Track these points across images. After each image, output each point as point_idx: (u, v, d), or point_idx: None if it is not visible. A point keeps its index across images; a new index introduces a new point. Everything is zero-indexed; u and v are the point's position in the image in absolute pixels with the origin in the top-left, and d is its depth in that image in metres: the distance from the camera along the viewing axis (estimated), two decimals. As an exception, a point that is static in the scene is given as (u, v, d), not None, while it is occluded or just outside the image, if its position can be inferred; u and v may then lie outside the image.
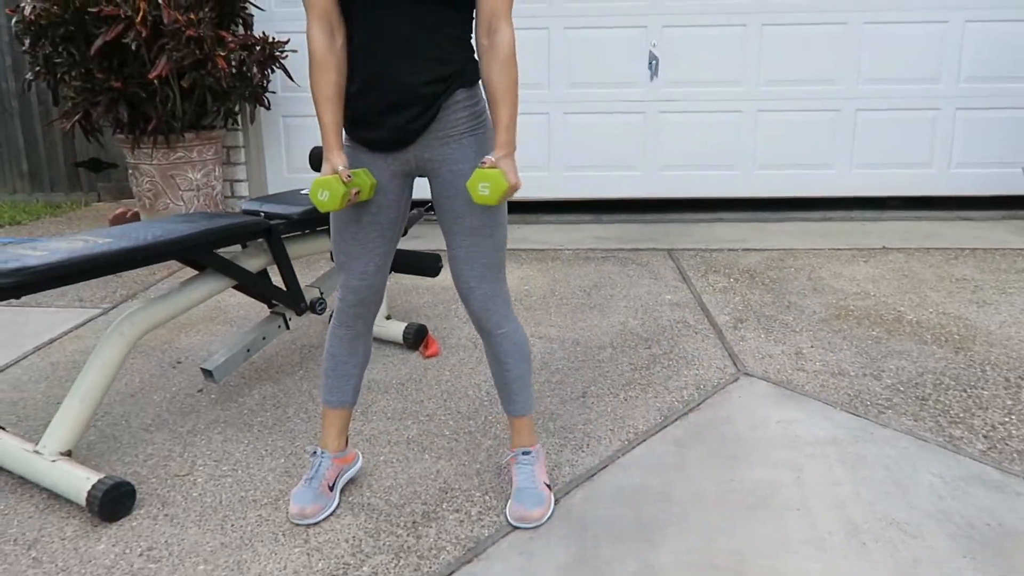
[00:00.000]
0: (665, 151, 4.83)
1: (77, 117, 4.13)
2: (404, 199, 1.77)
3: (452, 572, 1.61)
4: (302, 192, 2.74)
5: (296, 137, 4.93)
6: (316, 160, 2.83)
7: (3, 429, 2.05)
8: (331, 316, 3.01)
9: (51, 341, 2.95)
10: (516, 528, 1.74)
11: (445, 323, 3.07)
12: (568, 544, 1.69)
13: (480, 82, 1.66)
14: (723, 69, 4.69)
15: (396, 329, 2.79)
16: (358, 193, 1.63)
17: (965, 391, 2.38)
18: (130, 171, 4.32)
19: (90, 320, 3.17)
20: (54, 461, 1.86)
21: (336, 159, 1.61)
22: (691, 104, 4.76)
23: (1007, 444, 2.07)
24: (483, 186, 1.54)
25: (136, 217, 4.67)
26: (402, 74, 1.58)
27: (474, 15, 1.63)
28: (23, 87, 4.32)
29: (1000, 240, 4.14)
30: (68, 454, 1.92)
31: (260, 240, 2.41)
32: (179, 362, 2.73)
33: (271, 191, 5.06)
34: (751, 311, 3.13)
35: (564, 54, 4.73)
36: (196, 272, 2.41)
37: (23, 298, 3.47)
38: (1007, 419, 2.20)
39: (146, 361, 2.75)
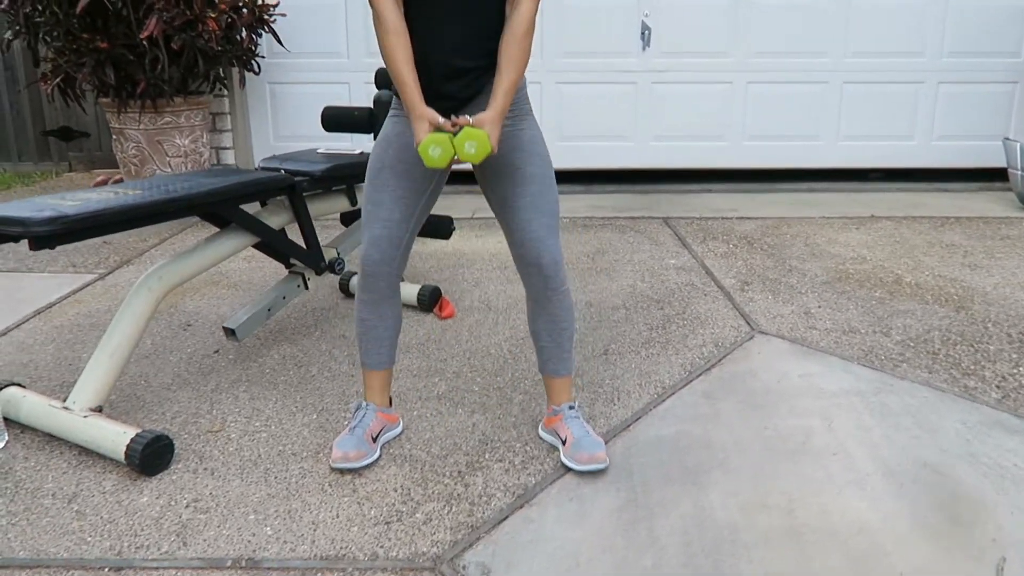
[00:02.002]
0: (657, 122, 4.86)
1: (58, 79, 3.99)
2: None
3: (506, 517, 1.62)
4: (318, 151, 2.70)
5: (283, 104, 4.84)
6: (329, 120, 2.79)
7: (24, 387, 2.00)
8: (342, 285, 2.98)
9: (50, 305, 2.87)
10: (568, 472, 1.76)
11: (454, 287, 3.06)
12: (618, 489, 1.71)
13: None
14: (713, 40, 4.72)
15: (410, 291, 2.78)
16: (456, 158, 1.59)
17: (972, 346, 2.46)
18: (114, 137, 4.19)
19: (87, 285, 3.09)
20: (86, 417, 1.82)
21: (429, 112, 1.59)
22: (682, 75, 4.79)
23: (1020, 393, 2.14)
24: (469, 144, 1.54)
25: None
26: (451, 53, 1.63)
27: None
28: (2, 47, 4.15)
29: (982, 209, 4.27)
30: (99, 410, 1.88)
31: (282, 198, 2.38)
32: (189, 325, 2.68)
33: (257, 158, 4.97)
34: (755, 275, 3.18)
35: (556, 23, 4.71)
36: (213, 230, 2.36)
37: (15, 264, 3.37)
38: (1015, 371, 2.28)
39: (155, 324, 2.69)
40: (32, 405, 1.91)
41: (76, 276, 3.20)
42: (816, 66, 4.76)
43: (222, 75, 4.38)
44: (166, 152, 4.17)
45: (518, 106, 1.74)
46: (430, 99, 1.68)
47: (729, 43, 4.73)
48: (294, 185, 2.30)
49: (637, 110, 4.84)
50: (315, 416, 2.05)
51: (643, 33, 4.72)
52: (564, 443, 1.82)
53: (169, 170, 4.18)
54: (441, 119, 1.58)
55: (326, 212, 2.58)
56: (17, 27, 3.92)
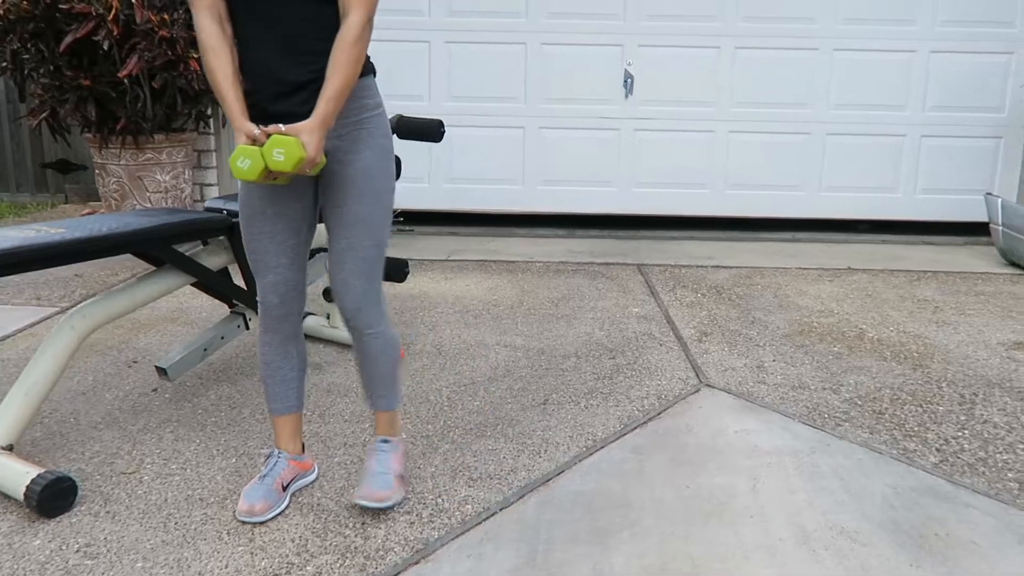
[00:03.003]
0: (639, 168, 4.87)
1: (44, 115, 4.07)
2: (310, 190, 1.75)
3: (399, 573, 1.58)
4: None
5: (269, 143, 4.90)
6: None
7: (-56, 422, 1.99)
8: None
9: (3, 338, 2.88)
10: (476, 525, 1.72)
11: (410, 330, 3.05)
12: (519, 547, 1.66)
13: (372, 75, 1.70)
14: (697, 89, 4.75)
15: (359, 333, 2.76)
16: (275, 177, 1.58)
17: (921, 406, 2.40)
18: (97, 171, 4.26)
19: (46, 319, 3.11)
20: (-6, 455, 1.81)
21: (247, 126, 1.57)
22: (665, 123, 4.80)
23: (959, 457, 2.08)
24: (277, 151, 1.51)
25: (102, 218, 4.60)
26: (284, 69, 1.60)
27: None
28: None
29: (962, 263, 4.21)
30: (10, 448, 1.87)
31: (222, 238, 2.38)
32: (135, 361, 2.68)
33: (242, 197, 5.01)
34: (716, 325, 3.14)
35: (540, 69, 4.76)
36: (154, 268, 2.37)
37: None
38: (959, 433, 2.22)
39: (101, 360, 2.69)
40: (-54, 441, 1.90)
41: (38, 309, 3.22)
42: (799, 117, 4.76)
43: (206, 113, 4.45)
44: (147, 187, 4.22)
45: (356, 124, 1.67)
46: (268, 118, 1.61)
47: (713, 92, 4.75)
48: (232, 226, 2.31)
49: (620, 156, 4.85)
50: (234, 460, 2.02)
51: (626, 81, 4.76)
52: (363, 474, 1.82)
53: (149, 205, 4.23)
54: (257, 131, 1.56)
55: (272, 253, 2.58)
56: (4, 63, 4.02)
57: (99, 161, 4.21)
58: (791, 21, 4.65)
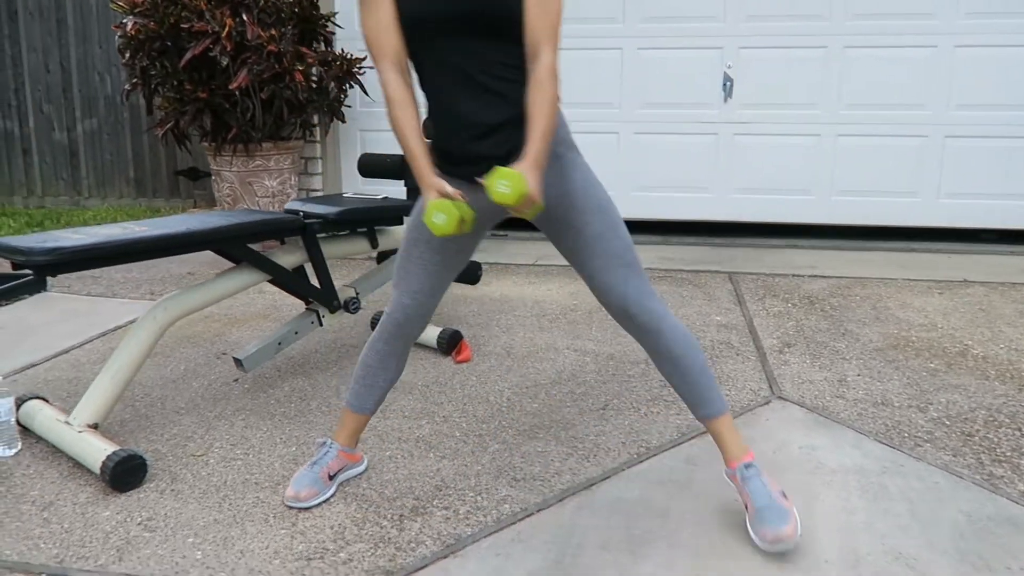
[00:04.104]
0: (738, 174, 4.71)
1: (169, 125, 4.42)
2: (479, 234, 1.80)
3: (425, 565, 1.60)
4: (346, 195, 2.83)
5: (372, 150, 5.10)
6: (365, 167, 2.92)
7: (46, 401, 2.20)
8: (374, 322, 3.08)
9: (116, 328, 3.15)
10: (510, 525, 1.72)
11: (484, 332, 3.09)
12: (549, 549, 1.65)
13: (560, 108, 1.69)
14: (800, 92, 4.54)
15: (431, 333, 2.82)
16: (465, 228, 1.57)
17: (1019, 429, 2.19)
18: (213, 177, 4.57)
19: (155, 312, 3.36)
20: (80, 432, 1.98)
21: (437, 182, 1.57)
22: (766, 127, 4.63)
23: (1054, 487, 1.88)
24: (502, 183, 1.48)
25: (218, 222, 4.93)
26: (478, 113, 1.60)
27: None
28: (122, 97, 4.65)
29: (1101, 278, 3.80)
30: (95, 427, 2.04)
31: (297, 238, 2.50)
32: (224, 353, 2.85)
33: (346, 202, 5.24)
34: (802, 336, 2.99)
35: (637, 74, 4.70)
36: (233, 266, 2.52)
37: (103, 289, 3.73)
38: (1061, 461, 2.01)
39: (195, 350, 2.89)
40: (44, 418, 2.10)
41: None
42: (914, 119, 4.46)
43: (311, 123, 4.69)
44: (255, 192, 4.49)
45: (556, 156, 1.67)
46: (463, 162, 1.65)
47: (818, 94, 4.53)
48: (305, 226, 2.42)
49: (717, 162, 4.71)
50: (294, 448, 2.12)
51: (725, 84, 4.62)
52: (747, 509, 1.68)
53: (258, 208, 4.49)
54: (450, 188, 1.56)
55: (347, 253, 2.68)
56: (135, 79, 4.40)
57: (215, 168, 4.52)
58: (905, 17, 4.37)
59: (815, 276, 3.90)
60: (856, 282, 3.79)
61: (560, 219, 1.70)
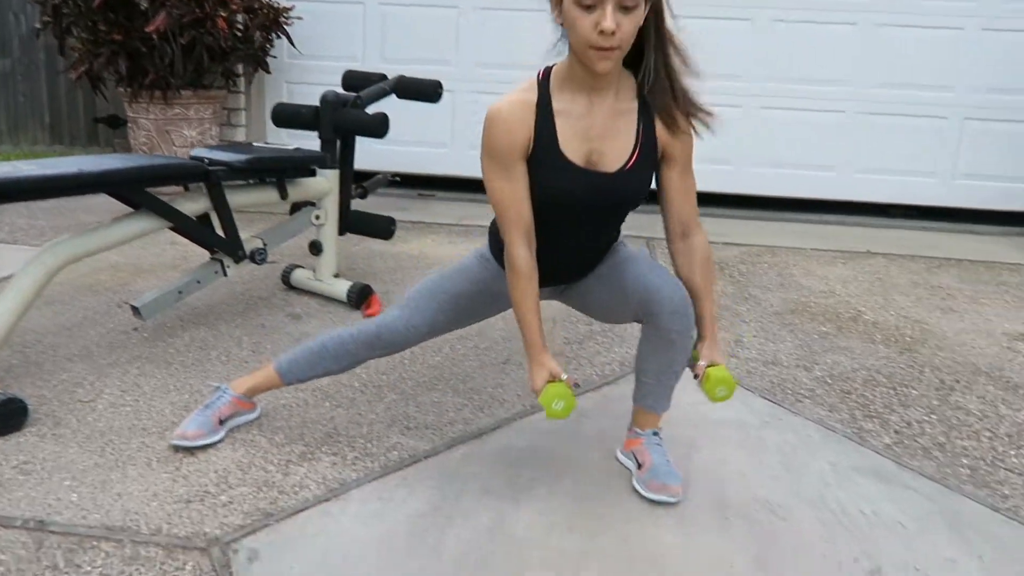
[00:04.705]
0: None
1: (83, 68, 4.24)
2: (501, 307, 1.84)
3: (306, 508, 1.62)
4: (255, 143, 2.77)
5: (299, 103, 4.98)
6: (279, 117, 2.86)
7: (-74, 343, 2.12)
8: (285, 275, 3.04)
9: (9, 276, 3.03)
10: (394, 472, 1.75)
11: (398, 287, 3.08)
12: (432, 494, 1.68)
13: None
14: (728, 63, 4.61)
15: (341, 287, 2.81)
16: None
17: (894, 388, 2.31)
18: (129, 125, 4.42)
19: (59, 259, 3.25)
20: (-41, 374, 1.92)
21: (552, 364, 1.55)
22: (702, 97, 4.68)
23: (916, 440, 2.00)
24: (720, 390, 1.59)
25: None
26: (572, 267, 1.72)
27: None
28: (32, 36, 4.44)
29: (995, 253, 4.01)
30: (-24, 370, 1.98)
31: (200, 184, 2.45)
32: (125, 302, 2.79)
33: (270, 156, 5.12)
34: (708, 300, 3.07)
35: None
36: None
37: (2, 236, 3.58)
38: (926, 418, 2.13)
39: (96, 299, 2.81)
40: (-78, 360, 2.02)
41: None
42: (834, 94, 4.58)
43: (236, 72, 4.55)
44: (173, 142, 4.36)
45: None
46: (542, 278, 1.70)
47: (744, 66, 4.60)
48: (208, 173, 2.37)
49: (644, 129, 4.75)
50: (187, 396, 2.10)
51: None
52: (640, 467, 1.74)
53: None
54: (558, 369, 1.55)
55: (255, 203, 2.63)
56: (46, 18, 4.19)
57: (131, 115, 4.37)
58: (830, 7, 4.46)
59: (728, 244, 4.01)
60: (767, 250, 3.90)
61: (595, 290, 1.76)
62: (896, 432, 2.04)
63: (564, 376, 1.54)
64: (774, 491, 1.74)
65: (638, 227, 4.26)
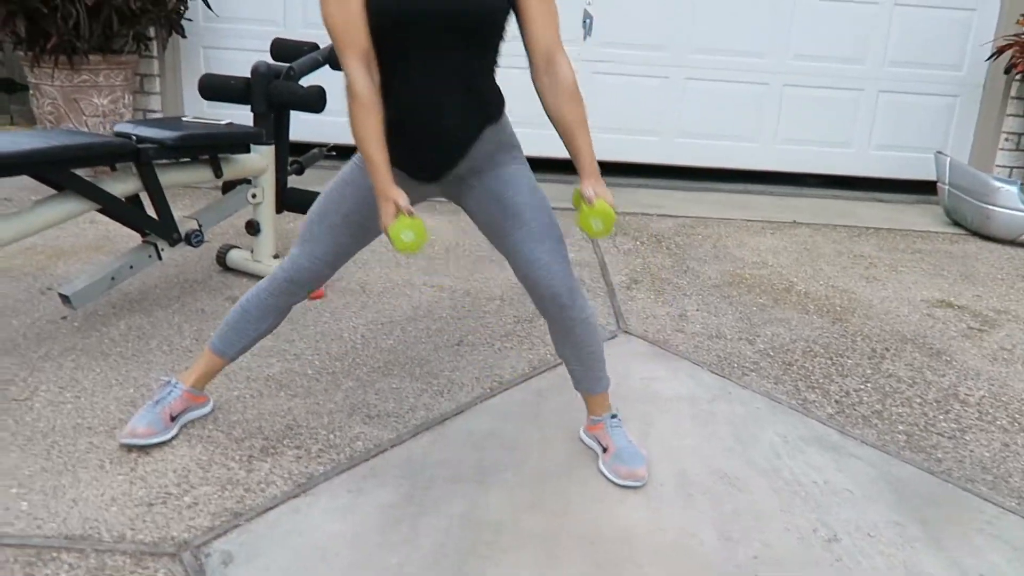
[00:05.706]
0: (592, 112, 4.79)
1: (-26, 30, 3.90)
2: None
3: (276, 505, 1.59)
4: (185, 118, 2.63)
5: (216, 69, 4.75)
6: (206, 89, 2.72)
7: None
8: (220, 256, 2.92)
9: (-82, 260, 2.81)
10: (361, 463, 1.73)
11: (342, 270, 3.01)
12: (401, 484, 1.68)
13: (505, 112, 1.67)
14: (653, 33, 4.65)
15: (282, 268, 2.73)
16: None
17: (831, 359, 2.43)
18: (31, 92, 4.12)
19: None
20: None
21: (399, 196, 1.52)
22: (622, 67, 4.72)
23: (855, 409, 2.12)
24: (595, 222, 1.55)
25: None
26: (432, 119, 1.56)
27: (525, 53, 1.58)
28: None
29: (906, 221, 4.23)
30: None
31: (130, 164, 2.31)
32: (49, 288, 2.63)
33: (188, 125, 4.88)
34: (648, 273, 3.14)
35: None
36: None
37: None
38: (862, 386, 2.26)
39: (14, 286, 2.64)
40: None
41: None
42: (756, 66, 4.70)
43: (146, 35, 4.29)
44: (83, 111, 4.09)
45: (507, 143, 1.67)
46: (413, 168, 1.62)
47: (668, 37, 4.66)
48: (138, 151, 2.24)
49: (575, 99, 4.76)
50: (131, 390, 2.00)
51: (585, 21, 4.65)
52: (605, 451, 1.77)
53: (85, 128, 4.10)
54: (406, 202, 1.51)
55: (188, 182, 2.51)
56: (-70, -27, 3.83)
57: (33, 81, 4.06)
58: (754, -34, 4.54)
59: (663, 215, 4.09)
60: (699, 222, 4.01)
61: (485, 197, 1.67)
62: (837, 402, 2.16)
63: (407, 205, 1.53)
64: (730, 463, 1.82)
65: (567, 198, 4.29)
